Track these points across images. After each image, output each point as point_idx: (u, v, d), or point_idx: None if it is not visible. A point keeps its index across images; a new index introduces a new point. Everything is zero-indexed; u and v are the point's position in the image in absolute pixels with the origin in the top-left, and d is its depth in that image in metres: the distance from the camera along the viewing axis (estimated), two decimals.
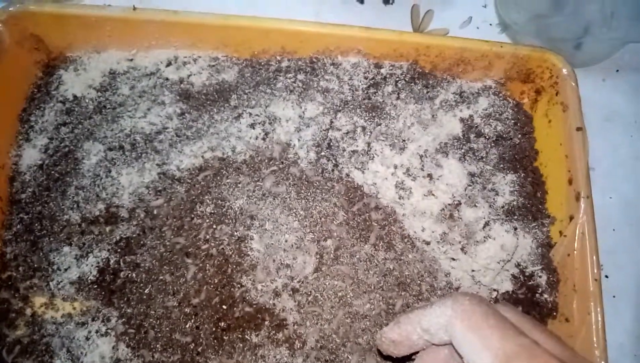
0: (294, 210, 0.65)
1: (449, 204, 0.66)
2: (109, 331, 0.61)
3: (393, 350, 0.48)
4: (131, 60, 0.75)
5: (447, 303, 0.44)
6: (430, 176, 0.68)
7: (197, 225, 0.65)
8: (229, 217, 0.65)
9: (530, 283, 0.65)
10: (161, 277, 0.63)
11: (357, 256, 0.63)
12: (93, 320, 0.62)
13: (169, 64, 0.75)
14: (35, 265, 0.65)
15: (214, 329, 0.60)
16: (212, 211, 0.65)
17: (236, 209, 0.65)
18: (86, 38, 0.74)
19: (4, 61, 0.69)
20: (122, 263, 0.63)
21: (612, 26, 0.79)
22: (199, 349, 0.59)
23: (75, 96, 0.73)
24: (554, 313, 0.65)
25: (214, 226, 0.64)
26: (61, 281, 0.64)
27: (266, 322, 0.60)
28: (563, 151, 0.69)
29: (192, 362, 0.59)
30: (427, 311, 0.45)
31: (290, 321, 0.60)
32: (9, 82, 0.70)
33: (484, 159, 0.71)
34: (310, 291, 0.61)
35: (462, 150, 0.71)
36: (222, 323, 0.60)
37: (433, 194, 0.66)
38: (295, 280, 0.62)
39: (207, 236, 0.64)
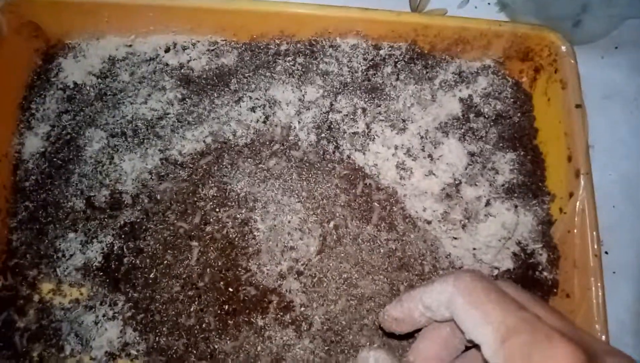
0: (296, 192, 0.65)
1: (450, 184, 0.66)
2: (116, 315, 0.62)
3: (396, 327, 0.48)
4: (130, 46, 0.74)
5: (448, 280, 0.44)
6: (430, 156, 0.67)
7: (200, 208, 0.65)
8: (231, 200, 0.65)
9: (530, 260, 0.65)
10: (165, 261, 0.63)
11: (360, 238, 0.63)
12: (101, 304, 0.62)
13: (167, 50, 0.74)
14: (42, 252, 0.65)
15: (218, 312, 0.60)
16: (215, 194, 0.65)
17: (238, 191, 0.65)
18: (84, 25, 0.73)
19: (2, 49, 0.68)
20: (125, 249, 0.64)
21: (611, 2, 0.78)
22: (204, 332, 0.59)
23: (75, 83, 0.72)
24: (555, 290, 0.65)
25: (217, 209, 0.64)
26: (67, 268, 0.64)
27: (273, 304, 0.60)
28: (562, 128, 0.68)
29: (196, 344, 0.59)
30: (428, 288, 0.45)
31: (297, 303, 0.60)
32: (8, 70, 0.69)
33: (484, 139, 0.70)
34: (315, 274, 0.61)
35: (462, 130, 0.70)
36: (227, 306, 0.60)
37: (434, 174, 0.66)
38: (299, 262, 0.62)
39: (211, 219, 0.64)
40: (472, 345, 0.45)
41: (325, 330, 0.59)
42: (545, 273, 0.65)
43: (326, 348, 0.58)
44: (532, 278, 0.65)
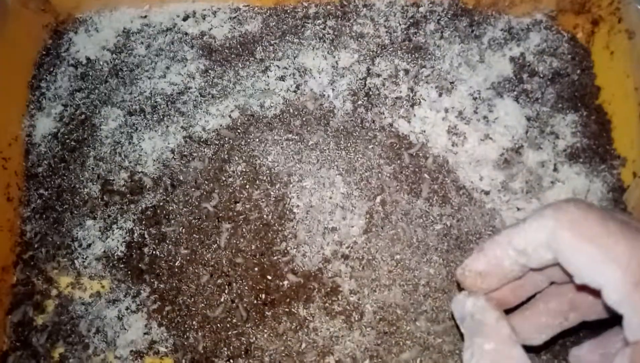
0: (335, 163, 0.54)
1: (509, 148, 0.55)
2: (140, 307, 0.53)
3: (481, 284, 0.38)
4: (145, 17, 0.65)
5: (546, 213, 0.34)
6: (486, 118, 0.57)
7: (228, 186, 0.55)
8: (262, 175, 0.55)
9: None
10: (191, 247, 0.53)
11: (411, 214, 0.52)
12: (124, 296, 0.54)
13: (186, 18, 0.65)
14: (58, 243, 0.57)
15: (254, 302, 0.50)
16: (244, 170, 0.55)
17: (270, 165, 0.55)
18: None
19: (8, 24, 0.60)
20: (147, 235, 0.55)
21: None
22: (237, 326, 0.50)
23: (88, 59, 0.64)
24: None
25: (247, 186, 0.54)
26: (87, 258, 0.56)
27: (317, 292, 0.50)
28: (631, 83, 0.57)
29: (228, 339, 0.50)
30: (519, 228, 0.35)
31: (345, 289, 0.50)
32: (15, 47, 0.61)
33: (540, 101, 0.60)
34: (363, 256, 0.51)
35: (515, 92, 0.60)
36: (263, 296, 0.50)
37: (490, 138, 0.56)
38: (344, 245, 0.52)
39: (241, 198, 0.54)
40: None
41: (379, 319, 0.49)
42: None
43: (379, 340, 0.48)
44: None
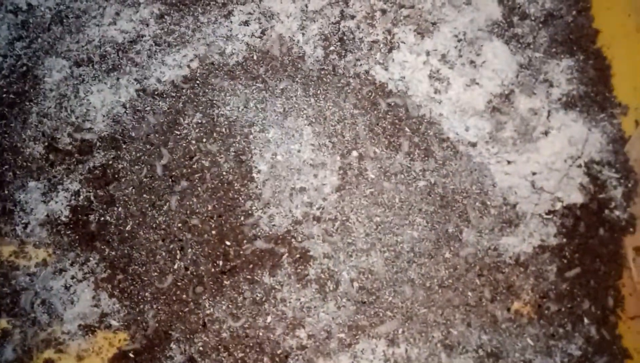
0: (303, 112, 0.47)
1: (498, 95, 0.48)
2: (87, 275, 0.47)
3: None
4: None
5: None
6: (472, 62, 0.50)
7: (182, 139, 0.48)
8: (220, 126, 0.48)
9: (602, 195, 0.48)
10: (141, 209, 0.47)
11: (390, 170, 0.45)
12: (72, 264, 0.48)
13: None
14: None
15: (211, 269, 0.44)
16: (200, 121, 0.48)
17: (228, 115, 0.48)
18: None
19: None
20: (94, 198, 0.48)
21: None
22: (192, 296, 0.44)
23: (29, 5, 0.57)
24: (631, 229, 0.48)
25: (204, 140, 0.47)
26: (29, 224, 0.50)
27: (285, 257, 0.44)
28: (633, 24, 0.51)
29: (183, 311, 0.44)
30: None
31: (318, 254, 0.44)
32: None
33: (532, 46, 0.53)
34: (336, 216, 0.44)
35: (504, 38, 0.53)
36: (221, 262, 0.44)
37: (477, 84, 0.49)
38: (314, 205, 0.45)
39: (196, 152, 0.47)
40: None
41: (357, 288, 0.42)
42: (617, 212, 0.48)
43: (357, 311, 0.42)
44: (600, 216, 0.48)
